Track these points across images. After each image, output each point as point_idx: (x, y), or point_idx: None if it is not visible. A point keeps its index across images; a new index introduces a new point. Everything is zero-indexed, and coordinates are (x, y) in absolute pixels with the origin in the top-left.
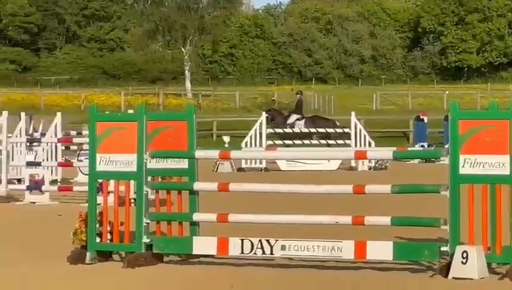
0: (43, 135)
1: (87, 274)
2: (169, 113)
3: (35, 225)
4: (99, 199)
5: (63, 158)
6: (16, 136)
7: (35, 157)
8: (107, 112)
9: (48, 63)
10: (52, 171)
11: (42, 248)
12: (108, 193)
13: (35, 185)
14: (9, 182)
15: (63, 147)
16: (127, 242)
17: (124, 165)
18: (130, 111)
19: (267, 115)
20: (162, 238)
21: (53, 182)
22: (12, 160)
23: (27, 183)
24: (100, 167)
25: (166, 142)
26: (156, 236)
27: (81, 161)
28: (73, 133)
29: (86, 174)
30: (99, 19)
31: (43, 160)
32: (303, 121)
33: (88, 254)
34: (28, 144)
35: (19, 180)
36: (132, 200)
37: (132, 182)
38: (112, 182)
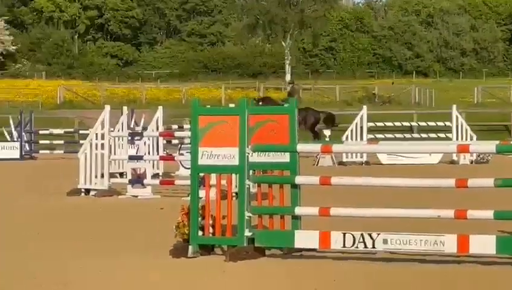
0: (144, 129)
1: (190, 268)
2: (272, 107)
3: (137, 218)
4: (201, 193)
5: (165, 152)
6: (118, 130)
7: (136, 151)
8: (208, 106)
9: (149, 57)
10: (153, 165)
11: (145, 241)
12: (210, 186)
13: (137, 179)
14: (112, 176)
15: (165, 141)
16: (229, 236)
17: (226, 158)
18: (232, 105)
19: (260, 104)
20: (264, 232)
21: (155, 175)
22: (115, 154)
23: (129, 177)
24: (202, 161)
25: (268, 135)
26: (258, 230)
27: (182, 154)
28: (174, 127)
29: (187, 168)
30: (200, 13)
31: (145, 154)
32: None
33: (190, 247)
34: (129, 138)
35: (121, 174)
36: (234, 194)
37: (234, 176)
38: (213, 175)
